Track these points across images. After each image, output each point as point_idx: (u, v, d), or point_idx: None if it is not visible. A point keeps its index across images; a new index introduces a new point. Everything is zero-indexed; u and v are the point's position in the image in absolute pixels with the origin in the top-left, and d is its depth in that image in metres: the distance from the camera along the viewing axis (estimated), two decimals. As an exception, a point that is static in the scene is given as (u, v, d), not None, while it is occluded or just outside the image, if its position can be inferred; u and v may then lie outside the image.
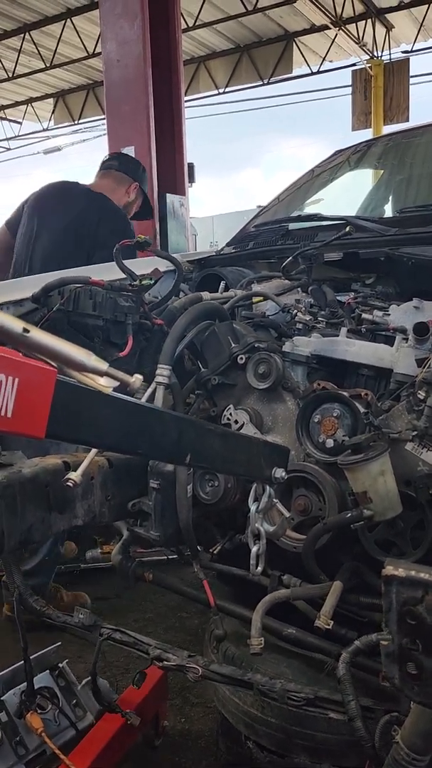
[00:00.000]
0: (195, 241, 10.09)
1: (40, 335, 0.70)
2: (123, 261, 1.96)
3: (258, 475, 1.44)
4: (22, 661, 1.98)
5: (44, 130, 17.28)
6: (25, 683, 1.99)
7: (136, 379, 0.78)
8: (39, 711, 1.99)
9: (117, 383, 0.76)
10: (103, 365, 0.73)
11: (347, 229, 2.25)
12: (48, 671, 2.16)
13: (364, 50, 13.48)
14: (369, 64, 13.67)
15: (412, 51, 13.80)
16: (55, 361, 0.72)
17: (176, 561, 2.03)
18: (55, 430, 0.83)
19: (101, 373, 0.74)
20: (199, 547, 1.90)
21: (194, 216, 13.07)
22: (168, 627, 3.23)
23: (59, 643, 2.25)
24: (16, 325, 0.68)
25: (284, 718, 1.60)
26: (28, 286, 1.93)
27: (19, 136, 17.93)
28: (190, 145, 6.56)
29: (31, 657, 2.03)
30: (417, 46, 13.69)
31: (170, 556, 2.14)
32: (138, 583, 2.00)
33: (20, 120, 17.14)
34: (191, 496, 1.76)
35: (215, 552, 1.90)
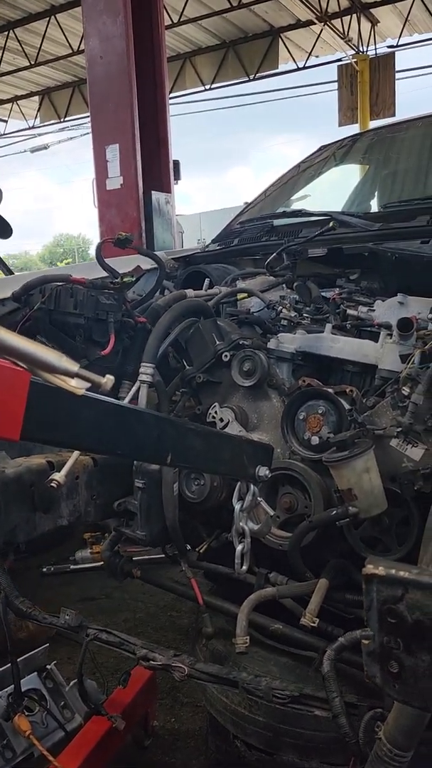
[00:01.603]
0: (182, 239, 10.07)
1: (9, 337, 0.68)
2: (105, 259, 1.95)
3: (241, 474, 1.43)
4: (9, 664, 1.96)
5: (30, 128, 17.16)
6: (12, 686, 1.97)
7: (108, 380, 0.77)
8: (27, 713, 1.98)
9: (88, 384, 0.75)
10: (74, 366, 0.72)
11: (330, 224, 2.24)
12: (36, 673, 2.15)
13: (349, 45, 13.47)
14: (355, 60, 13.66)
15: (397, 46, 13.82)
16: (25, 362, 0.70)
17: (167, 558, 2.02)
18: (30, 432, 0.82)
19: (72, 375, 0.73)
20: (186, 546, 1.89)
21: (181, 213, 13.05)
22: (158, 626, 3.22)
23: (47, 645, 2.24)
24: (-15, 327, 0.67)
25: (272, 717, 1.60)
26: (10, 285, 1.92)
27: (4, 134, 17.81)
28: (178, 142, 6.57)
29: (18, 659, 2.02)
30: (402, 41, 13.70)
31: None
32: (127, 583, 1.99)
33: (5, 118, 17.03)
34: (177, 495, 1.76)
35: (201, 551, 1.90)
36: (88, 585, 3.60)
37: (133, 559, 2.02)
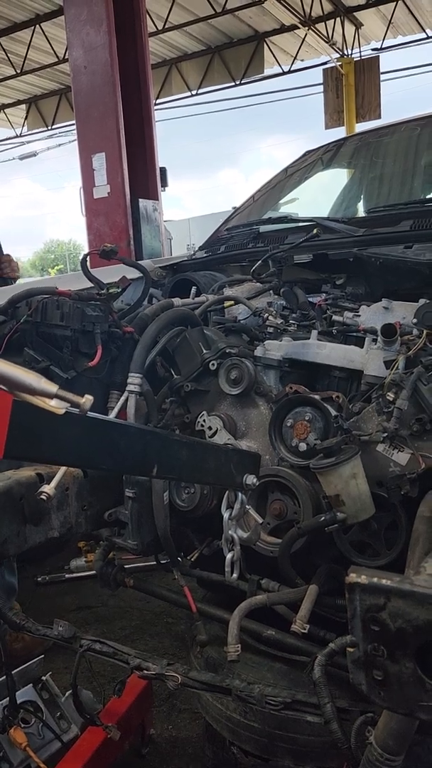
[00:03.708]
0: (170, 245, 10.07)
1: (-13, 358, 0.69)
2: (90, 270, 1.96)
3: (229, 483, 1.44)
4: (5, 676, 1.96)
5: (18, 136, 17.16)
6: (7, 698, 1.97)
7: (87, 399, 0.77)
8: (23, 725, 1.98)
9: (68, 405, 0.76)
10: (53, 387, 0.73)
11: (315, 231, 2.26)
12: (31, 684, 2.15)
13: (334, 49, 13.53)
14: (340, 63, 13.72)
15: (381, 48, 13.88)
16: (5, 385, 0.71)
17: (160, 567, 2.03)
18: (13, 450, 0.83)
19: (51, 396, 0.74)
20: (179, 554, 1.90)
21: (170, 219, 13.06)
22: (154, 633, 3.22)
23: (42, 657, 2.24)
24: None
25: (266, 723, 1.60)
26: (-4, 298, 1.92)
27: (-8, 143, 17.80)
28: (167, 148, 6.57)
29: (13, 672, 2.02)
30: (386, 44, 13.77)
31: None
32: (123, 591, 2.00)
33: (-7, 127, 17.02)
34: (168, 504, 1.76)
35: (193, 559, 1.90)
36: (83, 593, 3.60)
37: (126, 567, 2.03)
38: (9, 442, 0.81)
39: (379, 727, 1.11)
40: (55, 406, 0.74)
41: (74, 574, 3.70)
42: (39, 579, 3.70)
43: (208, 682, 1.49)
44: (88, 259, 2.03)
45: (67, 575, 3.71)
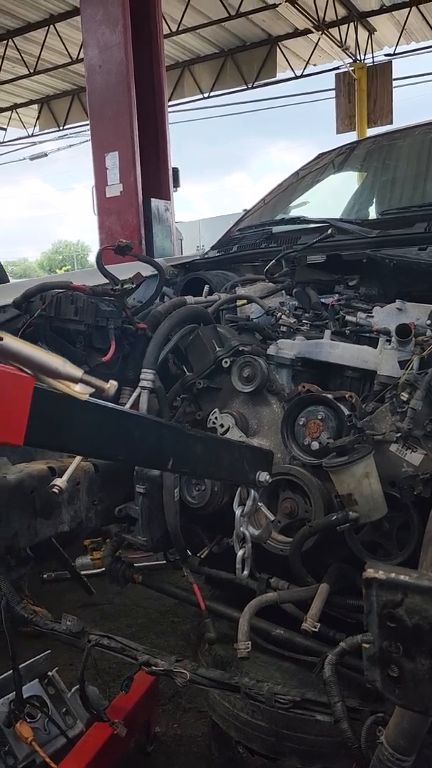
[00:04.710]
0: (181, 246, 10.09)
1: (14, 342, 0.69)
2: (105, 266, 1.96)
3: (242, 479, 1.44)
4: (11, 671, 1.96)
5: (29, 136, 17.23)
6: (14, 692, 1.97)
7: (111, 385, 0.78)
8: (28, 720, 1.98)
9: (92, 390, 0.76)
10: (78, 372, 0.73)
11: (329, 231, 2.26)
12: (37, 680, 2.15)
13: (347, 54, 13.54)
14: (352, 68, 13.73)
15: (394, 54, 13.88)
16: (30, 368, 0.71)
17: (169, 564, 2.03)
18: (33, 438, 0.83)
19: (76, 380, 0.74)
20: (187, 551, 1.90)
21: (181, 220, 13.08)
22: (160, 632, 3.22)
23: (48, 651, 2.24)
24: (-10, 333, 0.68)
25: (274, 722, 1.60)
26: (10, 292, 1.93)
27: (3, 142, 17.87)
28: (177, 150, 6.58)
29: (20, 666, 2.02)
30: (399, 49, 13.77)
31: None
32: (129, 589, 1.99)
33: (5, 126, 17.08)
34: (178, 500, 1.76)
35: (203, 556, 1.90)
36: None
37: (135, 565, 2.02)
38: (29, 429, 0.81)
39: (390, 727, 1.10)
40: (80, 391, 0.74)
41: (80, 572, 3.70)
42: (44, 576, 3.70)
43: (216, 679, 1.49)
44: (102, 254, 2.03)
45: (72, 573, 3.71)
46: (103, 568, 2.08)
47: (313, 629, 1.49)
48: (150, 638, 3.12)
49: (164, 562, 2.01)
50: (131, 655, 1.66)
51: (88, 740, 1.96)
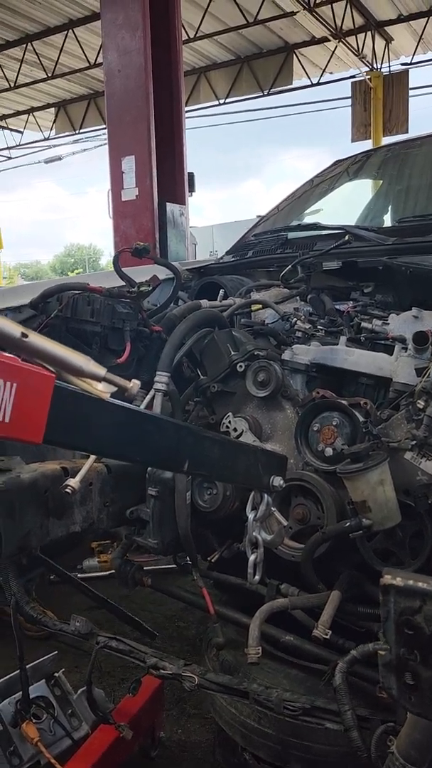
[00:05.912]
0: (195, 250, 10.10)
1: (38, 340, 0.69)
2: (122, 268, 1.97)
3: (256, 484, 1.43)
4: (18, 671, 1.96)
5: (45, 139, 17.34)
6: (20, 692, 1.97)
7: (134, 384, 0.78)
8: (34, 720, 1.97)
9: (115, 388, 0.76)
10: (102, 370, 0.73)
11: (346, 238, 2.26)
12: (44, 680, 2.14)
13: (363, 62, 13.56)
14: (368, 76, 13.73)
15: (411, 63, 13.88)
16: (54, 365, 0.72)
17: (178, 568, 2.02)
18: (52, 436, 0.83)
19: (99, 379, 0.74)
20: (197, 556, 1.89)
21: (194, 225, 13.09)
22: (166, 637, 3.20)
23: (56, 652, 2.24)
24: (15, 329, 0.68)
25: (281, 729, 1.59)
26: (27, 292, 1.94)
27: (20, 145, 18.00)
28: (191, 155, 6.60)
29: (27, 666, 2.02)
30: (416, 59, 13.77)
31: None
32: (135, 593, 1.99)
33: (21, 129, 17.21)
34: (190, 504, 1.76)
35: (213, 560, 1.89)
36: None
37: (144, 568, 2.02)
38: (49, 428, 0.81)
39: (402, 737, 1.09)
40: (103, 389, 0.74)
41: (86, 574, 3.69)
42: (51, 577, 3.70)
43: (225, 684, 1.48)
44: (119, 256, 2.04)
45: (79, 575, 3.71)
46: (110, 571, 2.07)
47: (324, 636, 1.48)
48: (155, 642, 3.10)
49: (173, 566, 2.00)
50: (139, 658, 1.66)
51: (94, 742, 1.95)
